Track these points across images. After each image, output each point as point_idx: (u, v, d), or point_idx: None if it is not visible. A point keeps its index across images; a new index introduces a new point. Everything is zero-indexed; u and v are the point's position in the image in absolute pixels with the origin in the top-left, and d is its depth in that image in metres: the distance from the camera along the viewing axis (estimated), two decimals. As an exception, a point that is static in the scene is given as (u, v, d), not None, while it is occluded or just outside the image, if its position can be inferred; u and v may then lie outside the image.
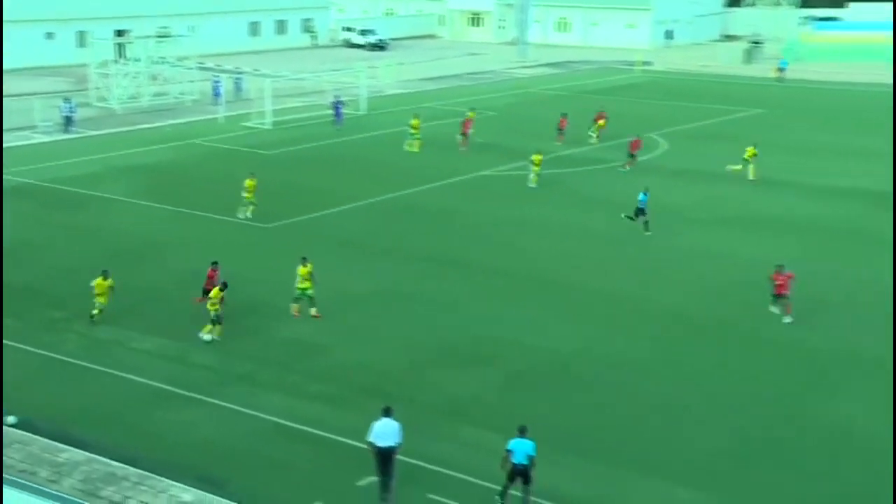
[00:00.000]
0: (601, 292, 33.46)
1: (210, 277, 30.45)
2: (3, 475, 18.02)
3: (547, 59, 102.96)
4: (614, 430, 23.99)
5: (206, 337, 28.44)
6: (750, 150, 49.67)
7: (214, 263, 30.94)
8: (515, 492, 20.26)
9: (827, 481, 21.95)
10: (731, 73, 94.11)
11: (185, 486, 20.75)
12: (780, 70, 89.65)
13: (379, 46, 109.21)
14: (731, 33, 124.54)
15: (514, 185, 48.40)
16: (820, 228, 41.33)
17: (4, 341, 27.60)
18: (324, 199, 44.22)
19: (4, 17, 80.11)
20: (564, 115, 58.93)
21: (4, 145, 51.18)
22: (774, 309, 30.59)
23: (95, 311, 29.43)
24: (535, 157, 47.82)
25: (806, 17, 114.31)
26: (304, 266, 30.50)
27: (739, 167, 49.86)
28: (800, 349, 28.84)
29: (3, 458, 20.90)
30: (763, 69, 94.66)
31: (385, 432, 20.55)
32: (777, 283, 30.16)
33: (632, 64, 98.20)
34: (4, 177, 45.90)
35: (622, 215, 40.20)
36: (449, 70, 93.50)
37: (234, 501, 20.27)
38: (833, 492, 21.55)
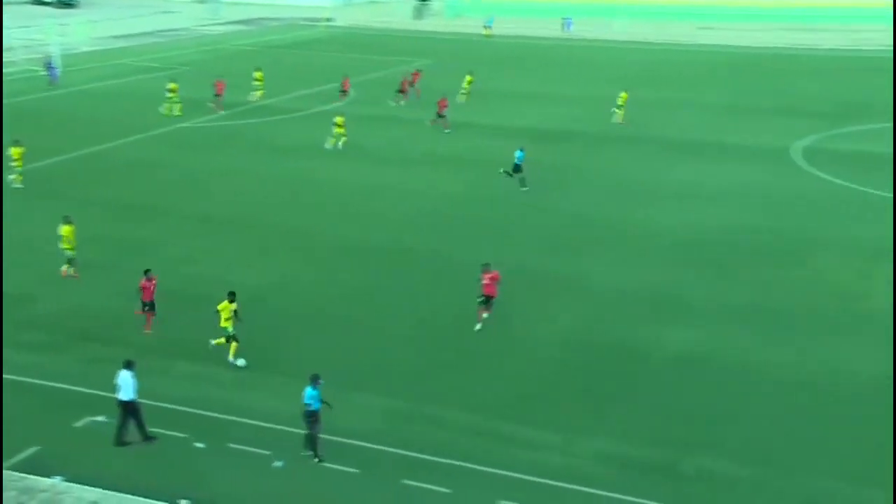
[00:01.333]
0: (296, 230, 33.14)
1: (145, 289, 24.56)
2: None
3: (237, 17, 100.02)
4: (323, 352, 23.89)
5: (240, 362, 22.95)
6: (623, 96, 50.77)
7: (147, 272, 24.76)
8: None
9: (506, 380, 22.99)
10: (406, 27, 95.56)
11: None
12: (488, 27, 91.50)
13: (68, 4, 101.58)
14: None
15: (210, 136, 46.78)
16: (490, 162, 42.90)
17: None
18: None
19: None
20: (346, 77, 56.62)
21: None
22: (479, 325, 25.31)
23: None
24: (338, 119, 44.29)
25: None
26: (68, 225, 27.78)
27: (620, 113, 50.68)
28: (463, 268, 29.82)
29: None
30: (432, 24, 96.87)
31: (123, 385, 19.38)
32: (484, 282, 25.21)
33: (316, 20, 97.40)
34: None
35: (500, 171, 38.54)
36: (142, 28, 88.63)
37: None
38: (513, 387, 22.71)
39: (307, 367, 20.74)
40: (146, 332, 24.54)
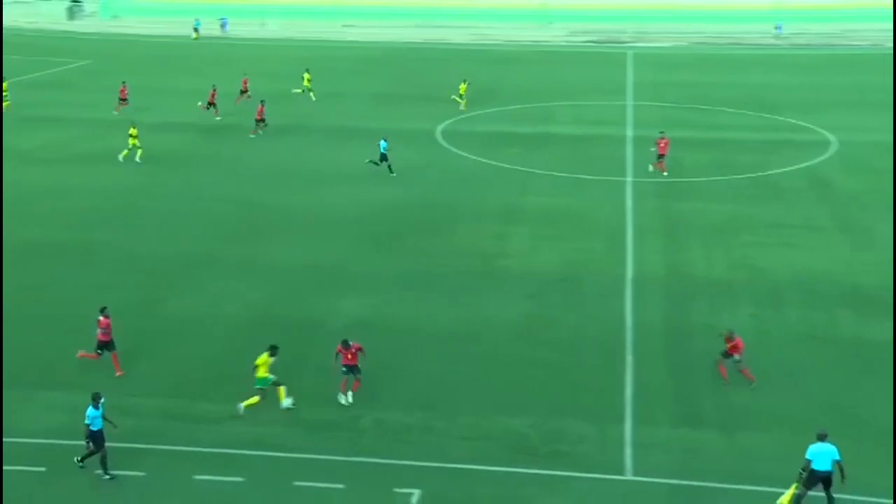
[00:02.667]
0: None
1: (104, 326, 21.38)
2: None
3: None
4: (6, 352, 21.95)
5: (286, 402, 20.08)
6: (462, 87, 52.65)
7: (104, 310, 21.59)
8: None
9: (191, 361, 22.45)
10: (59, 28, 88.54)
11: None
12: (196, 30, 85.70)
13: None
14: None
15: None
16: (166, 154, 41.20)
17: None
18: None
19: None
20: (125, 84, 50.84)
21: None
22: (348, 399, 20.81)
23: None
24: (132, 130, 39.39)
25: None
26: None
27: (458, 99, 52.01)
28: (152, 259, 28.84)
29: None
30: (84, 25, 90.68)
31: None
32: (348, 355, 20.75)
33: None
34: None
35: (366, 161, 37.89)
36: None
37: None
38: (199, 367, 22.14)
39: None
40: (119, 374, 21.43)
